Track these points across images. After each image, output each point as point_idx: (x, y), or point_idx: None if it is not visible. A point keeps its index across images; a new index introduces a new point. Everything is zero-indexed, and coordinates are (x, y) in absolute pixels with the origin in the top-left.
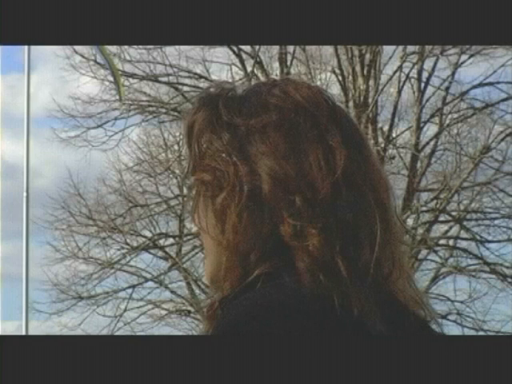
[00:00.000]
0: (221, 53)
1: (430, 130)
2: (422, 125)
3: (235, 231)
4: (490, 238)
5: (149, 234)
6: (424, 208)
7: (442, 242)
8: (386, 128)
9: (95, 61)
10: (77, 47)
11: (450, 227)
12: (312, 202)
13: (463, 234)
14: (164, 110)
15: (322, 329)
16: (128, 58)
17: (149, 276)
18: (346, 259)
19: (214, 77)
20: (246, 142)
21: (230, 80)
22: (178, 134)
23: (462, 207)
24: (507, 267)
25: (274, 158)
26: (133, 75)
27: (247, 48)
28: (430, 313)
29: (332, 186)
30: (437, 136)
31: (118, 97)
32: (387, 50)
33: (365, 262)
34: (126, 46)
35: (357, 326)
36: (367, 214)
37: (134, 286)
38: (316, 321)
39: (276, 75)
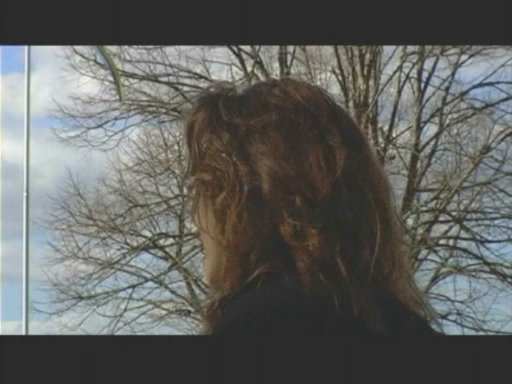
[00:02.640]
0: (221, 53)
1: (430, 130)
2: (422, 125)
3: (235, 231)
4: (490, 238)
5: (149, 234)
6: (424, 208)
7: (442, 242)
8: (386, 128)
9: (95, 61)
10: (77, 47)
11: (450, 227)
12: (312, 202)
13: (463, 234)
14: (164, 110)
15: (321, 329)
16: (128, 58)
17: (149, 276)
18: (346, 259)
19: (214, 77)
20: (246, 142)
21: (230, 80)
22: (178, 133)
23: (462, 207)
24: (507, 267)
25: (274, 158)
26: (133, 75)
27: (247, 48)
28: (430, 313)
29: (332, 186)
30: (437, 136)
31: (118, 97)
32: (387, 49)
33: (365, 262)
34: (126, 46)
35: (357, 326)
36: (367, 214)
37: (134, 286)
38: (316, 321)
39: (276, 75)
